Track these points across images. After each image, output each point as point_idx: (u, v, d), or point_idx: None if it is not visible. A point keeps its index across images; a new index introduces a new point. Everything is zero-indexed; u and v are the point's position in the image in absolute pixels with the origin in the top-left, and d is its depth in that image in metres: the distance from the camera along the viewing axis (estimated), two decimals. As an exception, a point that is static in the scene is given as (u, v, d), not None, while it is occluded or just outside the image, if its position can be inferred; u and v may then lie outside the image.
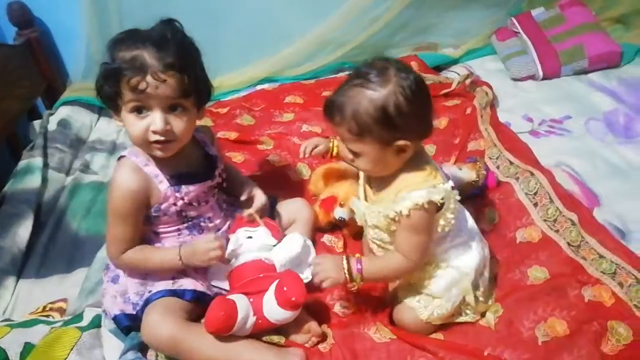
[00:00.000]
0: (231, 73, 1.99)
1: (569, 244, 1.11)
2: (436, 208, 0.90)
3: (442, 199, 0.89)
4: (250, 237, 1.08)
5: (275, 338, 0.99)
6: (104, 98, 0.96)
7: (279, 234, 1.12)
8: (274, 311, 0.96)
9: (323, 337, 1.00)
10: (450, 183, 0.92)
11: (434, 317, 0.97)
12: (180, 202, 1.03)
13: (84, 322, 1.05)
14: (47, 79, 1.88)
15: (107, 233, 1.02)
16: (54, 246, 1.33)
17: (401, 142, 0.88)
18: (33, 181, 1.47)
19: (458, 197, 0.94)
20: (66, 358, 0.94)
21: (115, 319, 1.03)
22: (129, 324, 1.02)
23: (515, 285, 1.05)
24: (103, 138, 1.75)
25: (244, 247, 1.07)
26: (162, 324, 0.94)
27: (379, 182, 0.98)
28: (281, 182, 1.44)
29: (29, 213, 1.37)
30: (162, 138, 0.94)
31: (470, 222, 1.05)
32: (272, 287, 0.97)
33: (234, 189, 1.20)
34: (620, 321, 0.93)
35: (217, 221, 1.12)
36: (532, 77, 1.83)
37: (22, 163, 1.53)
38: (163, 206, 1.01)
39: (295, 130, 1.67)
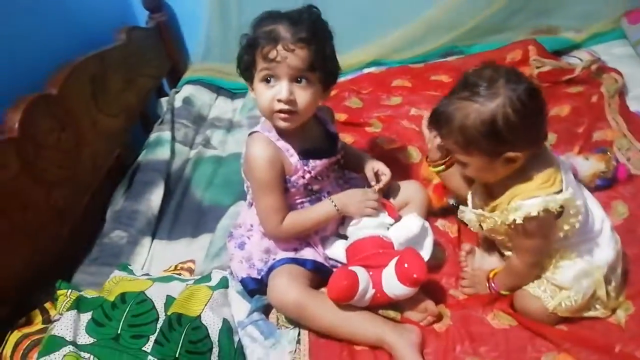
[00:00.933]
0: (340, 56, 2.01)
1: None
2: (555, 215, 0.88)
3: (561, 207, 0.87)
4: (368, 216, 1.11)
5: (392, 313, 1.02)
6: (241, 68, 1.04)
7: (396, 214, 1.14)
8: (393, 286, 0.98)
9: (439, 317, 1.01)
10: (570, 190, 0.88)
11: (562, 309, 0.94)
12: (307, 175, 1.08)
13: (213, 282, 1.14)
14: (172, 60, 2.04)
15: (259, 209, 1.09)
16: (182, 212, 1.46)
17: (510, 154, 0.86)
18: (163, 152, 1.61)
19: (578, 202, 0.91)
20: (201, 311, 1.03)
21: (242, 281, 1.12)
22: (254, 287, 1.10)
23: (650, 284, 0.99)
24: (221, 116, 1.87)
25: (362, 223, 1.10)
26: (288, 288, 1.01)
27: (492, 188, 0.98)
28: (391, 164, 1.43)
29: (160, 181, 1.50)
30: (285, 107, 0.98)
31: (602, 213, 1.00)
32: (393, 263, 1.00)
33: (350, 164, 1.24)
34: None
35: (336, 193, 1.16)
36: (669, 63, 1.67)
37: (153, 136, 1.68)
38: (293, 178, 1.07)
39: (404, 113, 1.67)
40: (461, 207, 1.06)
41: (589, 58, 1.70)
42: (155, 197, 1.46)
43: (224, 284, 1.14)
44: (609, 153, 1.23)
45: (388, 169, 1.20)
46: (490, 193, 0.99)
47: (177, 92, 1.90)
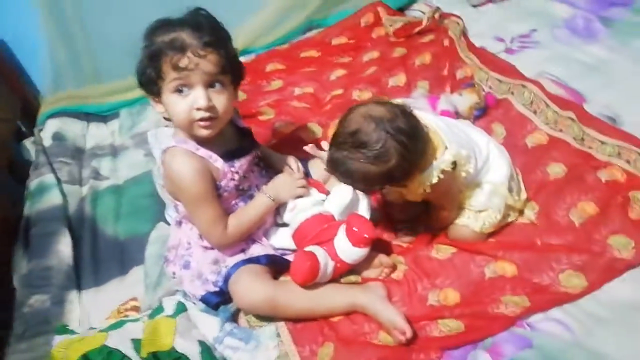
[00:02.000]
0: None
1: (574, 138, 1.26)
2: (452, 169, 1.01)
3: (453, 162, 1.00)
4: (301, 196, 1.16)
5: (353, 278, 1.10)
6: (144, 82, 0.99)
7: (324, 189, 1.20)
8: (348, 252, 1.05)
9: (394, 267, 1.11)
10: (453, 146, 1.01)
11: (486, 227, 1.10)
12: (236, 176, 1.08)
13: (169, 311, 1.09)
14: (20, 97, 1.81)
15: (199, 223, 1.07)
16: (100, 254, 1.34)
17: (410, 177, 0.99)
18: (53, 198, 1.45)
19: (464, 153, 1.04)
20: (174, 343, 1.00)
21: (203, 299, 1.09)
22: (217, 300, 1.09)
23: (541, 183, 1.20)
24: (100, 143, 1.73)
25: (298, 207, 1.14)
26: (254, 287, 1.02)
27: None
28: (296, 145, 1.50)
29: (62, 229, 1.36)
30: (206, 115, 0.97)
31: (485, 138, 1.18)
32: (342, 231, 1.06)
33: (270, 166, 1.26)
34: (637, 190, 1.10)
35: (263, 186, 1.18)
36: (491, 0, 1.95)
37: (33, 183, 1.50)
38: (223, 183, 1.07)
39: (289, 94, 1.72)
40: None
41: (430, 9, 1.91)
42: (64, 247, 1.33)
43: (181, 308, 1.10)
44: (476, 85, 1.43)
45: (296, 160, 1.25)
46: None
47: (41, 130, 1.70)
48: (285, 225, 1.18)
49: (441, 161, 0.99)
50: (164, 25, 0.97)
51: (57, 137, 1.67)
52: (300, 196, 1.14)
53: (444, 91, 1.53)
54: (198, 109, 0.96)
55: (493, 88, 1.50)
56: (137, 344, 0.99)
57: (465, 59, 1.64)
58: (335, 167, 0.99)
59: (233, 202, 1.12)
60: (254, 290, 1.02)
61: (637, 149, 1.17)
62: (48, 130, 1.69)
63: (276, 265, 1.13)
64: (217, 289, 1.09)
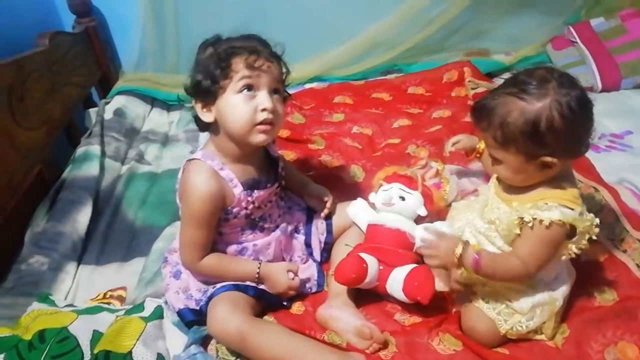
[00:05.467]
0: (281, 70, 2.00)
1: (637, 265, 1.08)
2: (571, 233, 0.88)
3: (585, 228, 0.87)
4: (403, 199, 1.09)
5: (337, 339, 0.99)
6: (203, 87, 0.97)
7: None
8: (395, 290, 1.02)
9: (385, 344, 0.99)
10: (594, 218, 0.88)
11: (512, 332, 0.95)
12: (250, 206, 1.04)
13: (146, 313, 1.06)
14: (102, 68, 1.91)
15: (181, 237, 1.04)
16: (112, 234, 1.36)
17: (547, 159, 0.85)
18: (91, 169, 1.49)
19: (597, 230, 0.89)
20: (133, 347, 0.95)
21: (179, 313, 1.04)
22: (192, 319, 1.03)
23: (583, 306, 1.03)
24: (156, 129, 1.78)
25: (395, 207, 1.09)
26: (230, 317, 0.95)
27: (515, 188, 0.94)
28: (335, 183, 1.43)
29: (88, 200, 1.39)
30: (269, 117, 0.97)
31: None
32: (405, 271, 1.01)
33: (292, 187, 1.23)
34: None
35: (277, 219, 1.13)
36: (591, 89, 1.78)
37: (80, 150, 1.56)
38: (235, 210, 1.03)
39: (347, 131, 1.67)
40: (483, 185, 1.06)
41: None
42: (82, 217, 1.35)
43: (158, 314, 1.06)
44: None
45: (328, 194, 1.20)
46: (510, 189, 0.95)
47: (107, 103, 1.78)
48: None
49: (581, 218, 0.86)
50: (228, 38, 1.00)
51: (118, 112, 1.73)
52: (282, 295, 1.07)
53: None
54: (263, 110, 0.96)
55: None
56: (97, 336, 0.96)
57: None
58: (478, 105, 0.88)
59: (239, 229, 1.07)
60: (228, 320, 0.95)
61: None
62: (113, 105, 1.76)
63: (265, 300, 1.06)
64: (197, 308, 1.04)
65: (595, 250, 1.14)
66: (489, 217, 0.96)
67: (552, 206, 0.86)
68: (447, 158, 1.32)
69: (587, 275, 1.09)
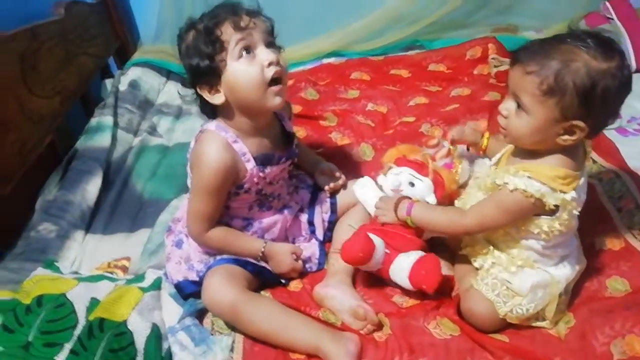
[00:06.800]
0: (297, 45, 1.95)
1: (655, 256, 1.02)
2: (542, 209, 0.85)
3: (556, 206, 0.84)
4: (413, 185, 1.06)
5: (332, 318, 0.98)
6: (202, 68, 0.94)
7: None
8: (399, 276, 0.99)
9: (379, 326, 0.97)
10: (574, 196, 0.85)
11: (512, 315, 0.92)
12: (262, 182, 1.03)
13: (146, 283, 1.07)
14: (119, 39, 1.92)
15: (189, 208, 1.03)
16: (120, 205, 1.37)
17: (578, 123, 0.80)
18: (103, 139, 1.51)
19: (576, 212, 0.88)
20: (128, 316, 0.96)
21: (177, 285, 1.05)
22: (192, 291, 1.03)
23: (592, 296, 0.97)
24: (169, 102, 1.78)
25: (403, 193, 1.06)
26: (224, 289, 0.95)
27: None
28: (343, 161, 1.40)
29: (98, 170, 1.41)
30: (278, 68, 0.94)
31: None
32: (412, 258, 0.98)
33: (302, 164, 1.21)
34: None
35: (286, 196, 1.12)
36: (623, 69, 1.68)
37: (93, 121, 1.57)
38: (246, 185, 1.01)
39: (360, 108, 1.62)
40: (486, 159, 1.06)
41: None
42: (92, 187, 1.37)
43: (157, 285, 1.07)
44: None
45: (339, 172, 1.19)
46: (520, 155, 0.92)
47: (123, 74, 1.79)
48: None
49: (552, 193, 0.83)
50: (201, 16, 0.96)
51: (133, 84, 1.74)
52: (282, 276, 1.07)
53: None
54: (269, 65, 0.93)
55: (582, 166, 1.26)
56: (94, 303, 0.97)
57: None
58: (532, 44, 0.82)
59: (248, 204, 1.06)
60: (222, 291, 0.95)
61: None
62: (128, 76, 1.77)
63: (262, 278, 1.05)
64: (197, 279, 1.04)
65: (610, 238, 1.08)
66: (482, 184, 0.95)
67: (523, 174, 0.84)
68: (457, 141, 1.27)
69: (600, 263, 1.03)
